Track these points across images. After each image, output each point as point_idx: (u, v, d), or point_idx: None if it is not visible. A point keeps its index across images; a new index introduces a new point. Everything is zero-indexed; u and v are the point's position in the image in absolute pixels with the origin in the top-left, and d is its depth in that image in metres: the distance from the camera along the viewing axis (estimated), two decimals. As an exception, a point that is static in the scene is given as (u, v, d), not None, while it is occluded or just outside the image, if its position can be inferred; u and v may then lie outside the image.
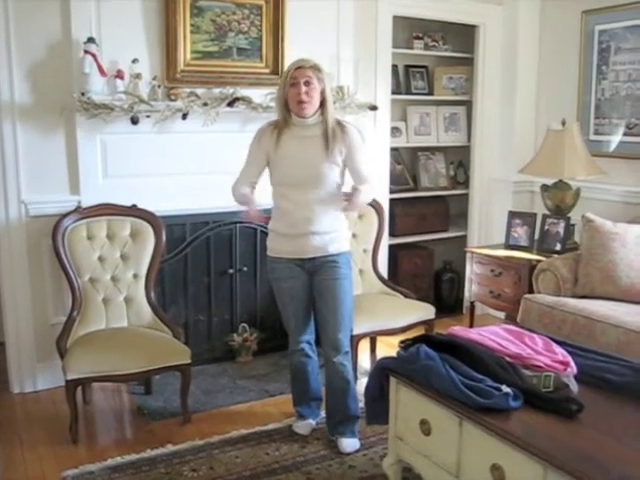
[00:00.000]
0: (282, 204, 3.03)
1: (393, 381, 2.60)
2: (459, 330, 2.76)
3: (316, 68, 2.93)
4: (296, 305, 3.11)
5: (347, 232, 3.18)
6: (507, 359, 2.48)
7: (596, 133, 4.57)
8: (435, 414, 2.39)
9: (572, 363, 2.48)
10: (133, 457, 3.02)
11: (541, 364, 2.45)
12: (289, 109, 2.96)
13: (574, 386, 2.34)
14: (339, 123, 3.02)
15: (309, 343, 3.22)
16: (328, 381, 3.15)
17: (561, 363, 2.48)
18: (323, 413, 3.29)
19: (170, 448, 3.10)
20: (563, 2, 4.71)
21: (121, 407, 3.63)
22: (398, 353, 2.63)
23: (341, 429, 3.14)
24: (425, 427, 2.44)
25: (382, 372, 2.65)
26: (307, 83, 2.89)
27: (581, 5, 4.55)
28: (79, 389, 3.36)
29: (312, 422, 3.31)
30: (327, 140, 2.95)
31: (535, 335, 2.70)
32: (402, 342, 2.70)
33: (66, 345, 3.30)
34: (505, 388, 2.25)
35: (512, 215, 4.57)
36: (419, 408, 2.47)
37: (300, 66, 2.91)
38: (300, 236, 2.99)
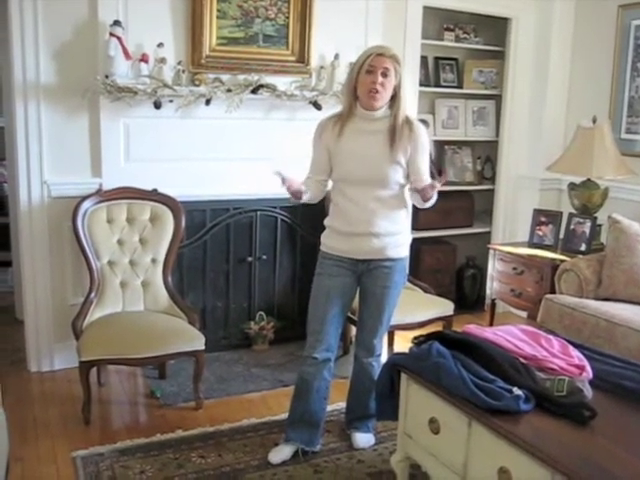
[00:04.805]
0: (340, 202, 2.83)
1: (404, 377, 2.56)
2: (474, 328, 2.71)
3: (395, 59, 2.68)
4: (329, 307, 2.86)
5: (409, 236, 2.96)
6: (521, 360, 2.43)
7: (628, 132, 4.45)
8: (444, 413, 2.35)
9: (588, 367, 2.42)
10: (143, 441, 3.04)
11: (556, 367, 2.39)
12: (356, 98, 2.74)
13: (588, 391, 2.28)
14: (408, 120, 2.77)
15: (327, 360, 2.93)
16: (354, 377, 3.10)
17: (577, 367, 2.41)
18: (322, 440, 3.03)
19: (180, 433, 3.12)
20: (599, -4, 4.60)
21: (135, 390, 3.65)
22: (410, 349, 2.59)
23: (357, 424, 3.11)
24: (434, 426, 2.40)
25: (393, 368, 2.61)
26: (384, 74, 2.65)
27: (618, -1, 4.44)
28: (94, 370, 3.39)
29: (292, 448, 2.94)
30: (393, 138, 2.71)
31: (552, 337, 2.64)
32: (415, 338, 2.66)
33: (82, 326, 3.32)
34: (517, 390, 2.20)
35: (537, 213, 4.49)
36: (429, 406, 2.43)
37: (381, 53, 2.66)
38: (358, 236, 2.79)
